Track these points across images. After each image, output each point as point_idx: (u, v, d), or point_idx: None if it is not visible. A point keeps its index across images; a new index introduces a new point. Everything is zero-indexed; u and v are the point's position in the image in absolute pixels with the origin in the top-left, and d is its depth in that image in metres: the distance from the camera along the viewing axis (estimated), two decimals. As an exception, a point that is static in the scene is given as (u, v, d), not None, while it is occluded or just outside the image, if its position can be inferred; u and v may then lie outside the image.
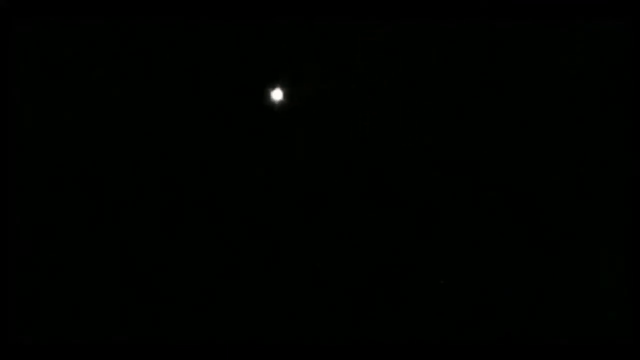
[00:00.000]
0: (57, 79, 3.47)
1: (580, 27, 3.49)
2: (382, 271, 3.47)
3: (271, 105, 3.52)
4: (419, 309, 3.44)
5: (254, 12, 3.47)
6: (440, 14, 3.48)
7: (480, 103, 3.52)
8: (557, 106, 3.51)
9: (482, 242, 3.47)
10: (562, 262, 3.44)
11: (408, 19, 3.49)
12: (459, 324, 3.42)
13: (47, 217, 3.42)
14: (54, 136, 3.46)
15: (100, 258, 3.42)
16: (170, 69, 3.50)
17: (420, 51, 3.52)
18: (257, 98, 3.53)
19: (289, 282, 3.47)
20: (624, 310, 3.36)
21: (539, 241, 3.46)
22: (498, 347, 3.37)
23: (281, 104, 3.52)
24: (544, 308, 3.42)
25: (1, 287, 3.30)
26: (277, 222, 3.49)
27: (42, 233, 3.41)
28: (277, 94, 3.52)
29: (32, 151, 3.44)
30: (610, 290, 3.40)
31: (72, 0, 3.42)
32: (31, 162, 3.44)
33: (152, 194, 3.47)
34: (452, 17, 3.49)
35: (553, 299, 3.42)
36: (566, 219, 3.47)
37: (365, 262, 3.48)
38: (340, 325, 3.43)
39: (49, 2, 3.42)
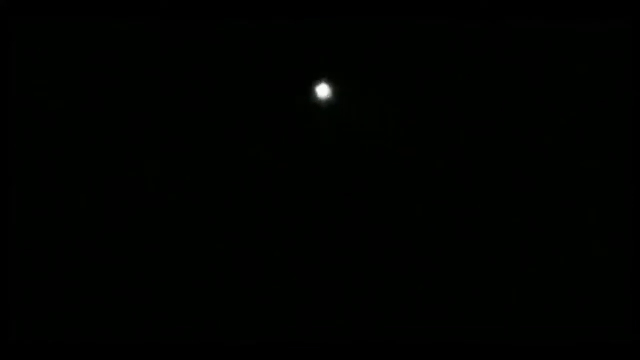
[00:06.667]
0: (57, 79, 3.48)
1: (581, 28, 3.49)
2: (382, 271, 3.48)
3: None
4: (418, 309, 3.44)
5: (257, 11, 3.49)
6: (440, 14, 3.49)
7: (480, 103, 3.52)
8: (557, 106, 3.51)
9: (482, 242, 3.47)
10: (562, 262, 3.45)
11: (404, 17, 3.50)
12: (459, 324, 3.42)
13: (47, 216, 3.43)
14: (54, 136, 3.47)
15: (100, 257, 3.43)
16: (170, 69, 3.51)
17: (420, 51, 3.53)
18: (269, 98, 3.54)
19: (287, 282, 3.47)
20: (624, 310, 3.36)
21: (539, 241, 3.46)
22: (498, 347, 3.37)
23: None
24: (544, 308, 3.42)
25: (1, 287, 3.31)
26: (276, 222, 3.50)
27: (42, 233, 3.42)
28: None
29: (32, 151, 3.45)
30: (610, 290, 3.41)
31: (72, 0, 3.43)
32: (31, 162, 3.44)
33: (153, 194, 3.47)
34: (453, 18, 3.49)
35: (553, 299, 3.42)
36: (566, 219, 3.47)
37: (364, 262, 3.49)
38: (340, 325, 3.44)
39: (49, 2, 3.42)
